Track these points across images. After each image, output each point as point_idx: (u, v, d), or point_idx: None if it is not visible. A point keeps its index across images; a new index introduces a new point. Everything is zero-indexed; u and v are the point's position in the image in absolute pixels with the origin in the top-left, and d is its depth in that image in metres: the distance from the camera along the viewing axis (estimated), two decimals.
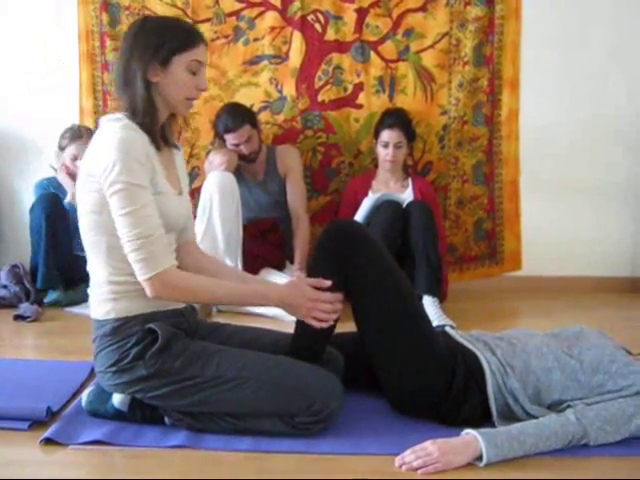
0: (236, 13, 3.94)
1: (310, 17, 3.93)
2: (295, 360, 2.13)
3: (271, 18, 3.93)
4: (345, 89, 3.99)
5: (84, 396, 2.23)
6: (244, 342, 2.23)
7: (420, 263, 3.40)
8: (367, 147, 4.01)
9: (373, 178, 3.87)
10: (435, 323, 3.10)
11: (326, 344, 2.21)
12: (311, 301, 2.08)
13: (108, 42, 3.95)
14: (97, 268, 2.11)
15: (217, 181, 3.56)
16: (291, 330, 2.22)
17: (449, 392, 2.12)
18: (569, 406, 2.04)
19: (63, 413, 2.21)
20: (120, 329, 2.08)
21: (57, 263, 3.64)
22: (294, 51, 3.96)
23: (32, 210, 3.69)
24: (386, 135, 3.73)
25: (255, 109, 3.94)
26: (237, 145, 3.71)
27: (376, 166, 3.92)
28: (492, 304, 3.84)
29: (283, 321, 2.95)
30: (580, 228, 4.10)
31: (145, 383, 2.06)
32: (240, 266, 3.57)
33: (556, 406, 2.09)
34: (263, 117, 3.99)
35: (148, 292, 2.01)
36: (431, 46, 3.94)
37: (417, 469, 1.88)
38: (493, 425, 2.05)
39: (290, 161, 3.90)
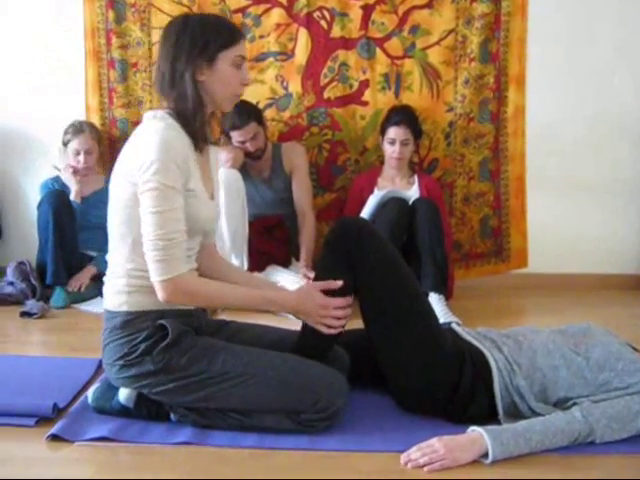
0: (242, 10, 3.94)
1: (316, 14, 3.93)
2: (301, 357, 2.13)
3: (277, 15, 3.93)
4: (351, 86, 3.99)
5: (90, 393, 2.23)
6: (250, 339, 2.24)
7: (426, 260, 3.40)
8: (373, 144, 4.01)
9: (379, 175, 3.87)
10: (441, 320, 3.10)
11: (334, 344, 2.21)
12: (322, 308, 2.09)
13: (114, 39, 3.95)
14: (118, 259, 2.12)
15: (223, 178, 3.54)
16: (297, 327, 2.22)
17: (456, 390, 2.12)
18: (575, 403, 2.03)
19: (69, 410, 2.22)
20: (131, 323, 2.08)
21: (64, 259, 3.65)
22: (300, 48, 3.95)
23: (40, 206, 3.70)
24: (393, 132, 3.73)
25: (261, 106, 3.94)
26: (243, 142, 3.71)
27: (382, 163, 3.91)
28: (498, 301, 3.84)
29: (289, 318, 2.95)
30: (585, 225, 4.10)
31: (152, 378, 2.07)
32: (246, 263, 3.57)
33: (562, 403, 2.08)
34: (269, 114, 3.99)
35: (160, 295, 2.01)
36: (437, 43, 3.93)
37: (423, 466, 1.88)
38: (499, 423, 2.05)
39: (296, 158, 3.90)
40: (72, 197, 3.74)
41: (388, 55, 3.95)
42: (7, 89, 4.07)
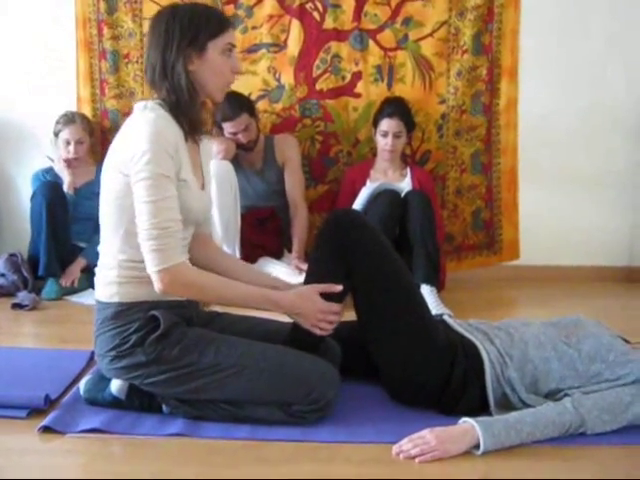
0: (234, 1, 3.92)
1: (308, 5, 3.92)
2: (293, 349, 2.13)
3: (269, 6, 3.92)
4: (343, 78, 3.98)
5: (82, 384, 2.23)
6: (242, 331, 2.23)
7: (418, 252, 3.40)
8: (365, 136, 4.01)
9: (371, 167, 3.86)
10: (433, 312, 3.08)
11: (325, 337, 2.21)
12: (321, 312, 2.10)
13: (105, 30, 3.94)
14: (110, 250, 2.11)
15: (215, 170, 3.52)
16: (288, 319, 2.22)
17: (448, 382, 2.12)
18: (566, 395, 2.04)
19: (61, 401, 2.22)
20: (122, 314, 2.08)
21: (57, 251, 3.64)
22: (292, 39, 3.94)
23: (33, 198, 3.69)
24: (385, 124, 3.73)
25: (253, 98, 3.93)
26: (235, 134, 3.71)
27: (374, 155, 3.91)
28: (490, 293, 3.85)
29: None
30: (578, 217, 4.11)
31: (143, 369, 2.07)
32: (238, 254, 3.57)
33: (553, 395, 2.09)
34: (261, 106, 3.98)
35: (156, 285, 2.00)
36: (430, 35, 3.93)
37: (414, 457, 1.88)
38: (490, 414, 2.06)
39: (288, 150, 3.89)
40: (65, 188, 3.73)
41: (381, 47, 3.95)
42: (3, 84, 4.05)
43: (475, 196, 4.09)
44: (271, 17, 3.93)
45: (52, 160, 3.84)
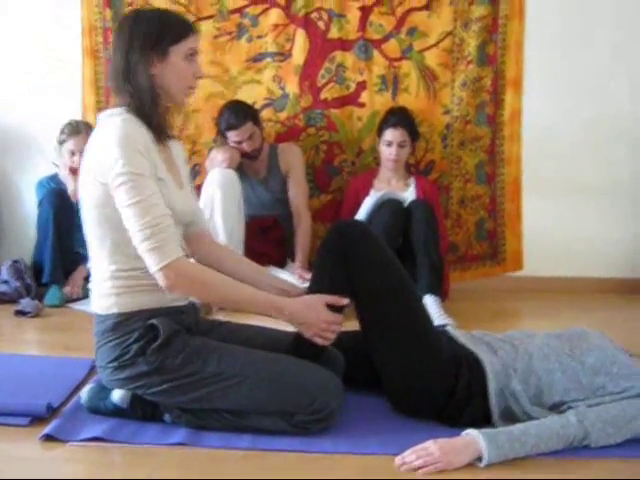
0: (240, 10, 3.93)
1: (314, 15, 3.92)
2: (296, 358, 2.13)
3: (275, 15, 3.92)
4: (348, 87, 3.98)
5: (84, 393, 2.22)
6: (245, 340, 2.23)
7: (421, 262, 3.40)
8: (369, 145, 4.01)
9: (375, 176, 3.86)
10: (436, 322, 3.09)
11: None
12: (325, 323, 2.08)
13: (111, 38, 3.94)
14: (100, 263, 2.11)
15: (219, 178, 3.56)
16: (291, 328, 2.21)
17: (452, 394, 2.12)
18: (570, 407, 2.03)
19: (63, 409, 2.21)
20: (122, 324, 2.07)
21: (61, 258, 3.64)
22: (297, 49, 3.95)
23: (40, 205, 3.71)
24: (390, 134, 3.73)
25: (258, 106, 3.93)
26: (239, 142, 3.71)
27: (378, 165, 3.91)
28: (493, 304, 3.83)
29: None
30: (582, 228, 4.10)
31: (146, 379, 2.06)
32: None
33: (557, 407, 2.08)
34: (266, 115, 3.98)
35: (162, 283, 1.98)
36: (434, 45, 3.93)
37: (418, 469, 1.88)
38: (494, 426, 2.05)
39: (292, 159, 3.90)
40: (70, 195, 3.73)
41: (385, 57, 3.95)
42: (4, 88, 4.06)
43: (479, 206, 4.09)
44: (276, 26, 3.93)
45: (57, 166, 3.84)
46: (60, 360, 2.72)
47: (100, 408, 2.17)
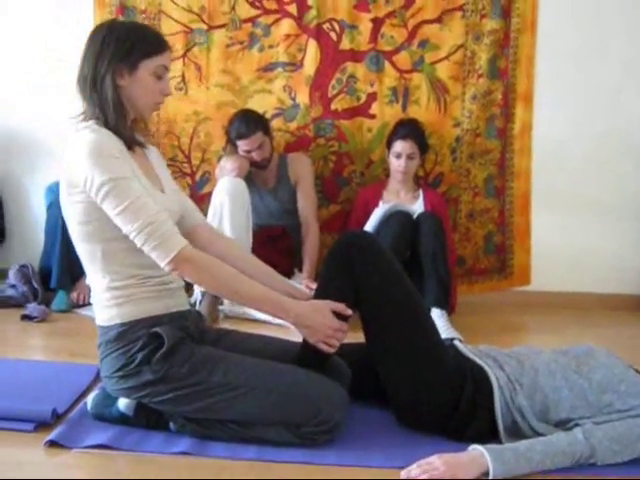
0: (252, 20, 3.94)
1: (326, 26, 3.93)
2: (302, 369, 2.12)
3: (287, 25, 3.93)
4: (358, 98, 3.99)
5: (89, 400, 2.22)
6: (251, 350, 2.22)
7: (429, 275, 3.39)
8: (379, 157, 4.00)
9: (384, 188, 3.86)
10: (443, 336, 3.06)
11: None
12: (331, 329, 2.07)
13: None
14: (96, 276, 2.11)
15: (228, 187, 3.56)
16: (297, 338, 2.21)
17: (457, 407, 2.11)
18: (577, 424, 2.02)
19: (68, 416, 2.21)
20: (125, 334, 2.07)
21: (69, 264, 3.65)
22: (309, 59, 3.95)
23: (49, 209, 3.71)
24: (399, 146, 3.72)
25: (268, 116, 3.94)
26: (249, 152, 3.72)
27: (387, 176, 3.91)
28: (500, 318, 3.82)
29: (289, 329, 2.94)
30: (590, 244, 4.08)
31: (151, 388, 2.06)
32: None
33: (564, 424, 2.07)
34: (276, 124, 3.99)
35: (177, 275, 2.03)
36: (446, 57, 3.94)
37: None
38: (500, 442, 2.04)
39: (301, 169, 3.90)
40: None
41: (396, 69, 3.95)
42: (10, 90, 4.07)
43: (487, 220, 4.08)
44: (288, 36, 3.94)
45: None
46: (66, 366, 2.72)
47: (105, 415, 2.17)
